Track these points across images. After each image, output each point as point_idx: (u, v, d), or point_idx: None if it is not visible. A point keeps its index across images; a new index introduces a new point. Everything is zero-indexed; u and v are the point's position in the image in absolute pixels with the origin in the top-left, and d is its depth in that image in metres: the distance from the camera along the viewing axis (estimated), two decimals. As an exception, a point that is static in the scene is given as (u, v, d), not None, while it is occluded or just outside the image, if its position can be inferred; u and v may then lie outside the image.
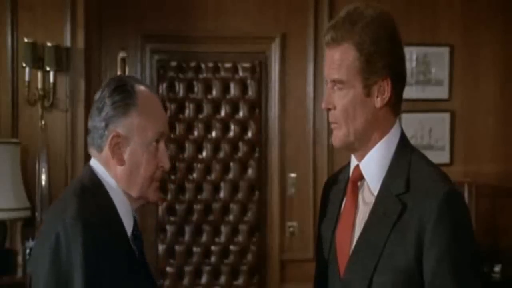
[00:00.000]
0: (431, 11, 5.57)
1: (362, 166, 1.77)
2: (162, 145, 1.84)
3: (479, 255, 1.69)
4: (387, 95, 1.73)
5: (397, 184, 1.70)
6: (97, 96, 1.84)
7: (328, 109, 1.77)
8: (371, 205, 1.74)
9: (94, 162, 1.84)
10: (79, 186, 1.80)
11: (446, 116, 5.58)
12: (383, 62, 1.72)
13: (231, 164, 5.45)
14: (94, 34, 5.17)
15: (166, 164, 1.85)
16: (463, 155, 5.59)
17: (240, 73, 5.46)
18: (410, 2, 5.55)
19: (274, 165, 5.47)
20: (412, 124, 5.49)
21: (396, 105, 1.77)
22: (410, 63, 5.50)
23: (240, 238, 5.43)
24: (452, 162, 5.57)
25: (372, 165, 1.75)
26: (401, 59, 1.77)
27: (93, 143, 1.84)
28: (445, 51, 5.57)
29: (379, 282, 1.66)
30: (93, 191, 1.78)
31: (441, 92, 5.59)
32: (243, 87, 5.46)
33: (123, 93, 1.80)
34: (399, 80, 1.76)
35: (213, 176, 5.44)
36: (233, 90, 5.46)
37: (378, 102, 1.73)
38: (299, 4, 5.45)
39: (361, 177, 1.78)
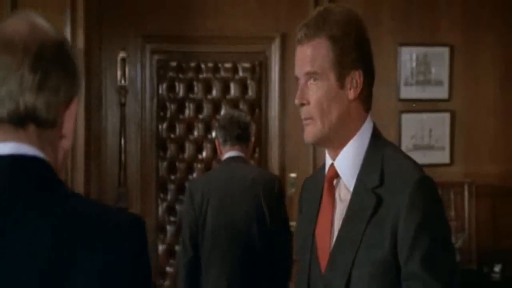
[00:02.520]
0: (431, 11, 5.57)
1: (336, 164, 1.80)
2: None
3: (450, 239, 1.72)
4: (359, 87, 1.78)
5: (372, 178, 1.73)
6: None
7: (302, 105, 1.83)
8: (347, 202, 1.77)
9: None
10: None
11: (446, 116, 5.58)
12: (355, 55, 1.78)
13: (231, 164, 5.45)
14: (94, 34, 5.17)
15: None
16: (463, 155, 5.59)
17: (240, 73, 5.46)
18: (410, 2, 5.55)
19: (274, 165, 5.47)
20: (412, 124, 5.49)
21: (367, 100, 1.82)
22: (410, 63, 5.50)
23: (240, 238, 5.43)
24: (452, 162, 5.57)
25: (346, 163, 1.78)
26: (370, 55, 1.83)
27: None
28: (445, 51, 5.57)
29: (358, 275, 1.69)
30: None
31: (441, 92, 5.59)
32: (243, 87, 5.46)
33: None
34: (369, 74, 1.81)
35: (213, 176, 5.44)
36: (233, 90, 5.46)
37: (351, 94, 1.78)
38: (299, 4, 5.45)
39: (336, 175, 1.81)
